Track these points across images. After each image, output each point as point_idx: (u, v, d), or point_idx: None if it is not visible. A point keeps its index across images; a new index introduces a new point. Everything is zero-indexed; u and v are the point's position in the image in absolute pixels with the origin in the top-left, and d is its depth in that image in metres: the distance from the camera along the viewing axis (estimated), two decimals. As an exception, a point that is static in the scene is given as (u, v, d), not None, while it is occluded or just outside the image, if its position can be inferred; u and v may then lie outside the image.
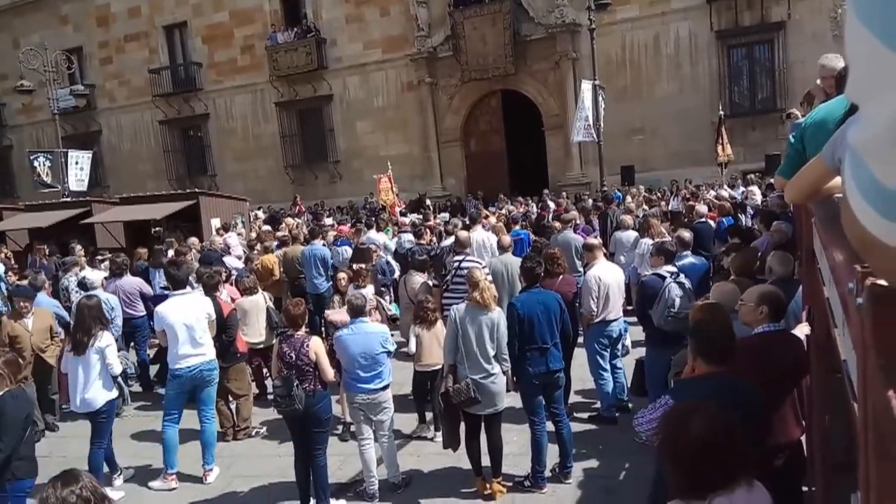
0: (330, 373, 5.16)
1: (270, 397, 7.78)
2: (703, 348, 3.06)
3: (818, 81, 4.02)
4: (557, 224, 10.47)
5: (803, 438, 3.55)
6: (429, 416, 6.59)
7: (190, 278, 7.19)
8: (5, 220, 17.21)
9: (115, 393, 5.88)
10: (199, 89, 27.55)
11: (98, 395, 5.67)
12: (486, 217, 13.16)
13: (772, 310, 3.55)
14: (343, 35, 24.95)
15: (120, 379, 6.18)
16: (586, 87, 17.32)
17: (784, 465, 3.43)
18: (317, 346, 5.14)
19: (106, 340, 5.75)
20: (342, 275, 7.83)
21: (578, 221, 10.85)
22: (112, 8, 28.90)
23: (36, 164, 20.05)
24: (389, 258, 10.46)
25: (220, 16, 26.88)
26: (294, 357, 5.05)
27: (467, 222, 10.40)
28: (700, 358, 3.07)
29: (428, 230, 11.35)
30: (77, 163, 19.97)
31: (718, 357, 3.01)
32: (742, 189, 14.70)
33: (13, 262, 12.92)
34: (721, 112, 17.23)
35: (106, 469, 5.96)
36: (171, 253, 10.34)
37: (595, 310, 6.28)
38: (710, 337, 3.05)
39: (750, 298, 3.68)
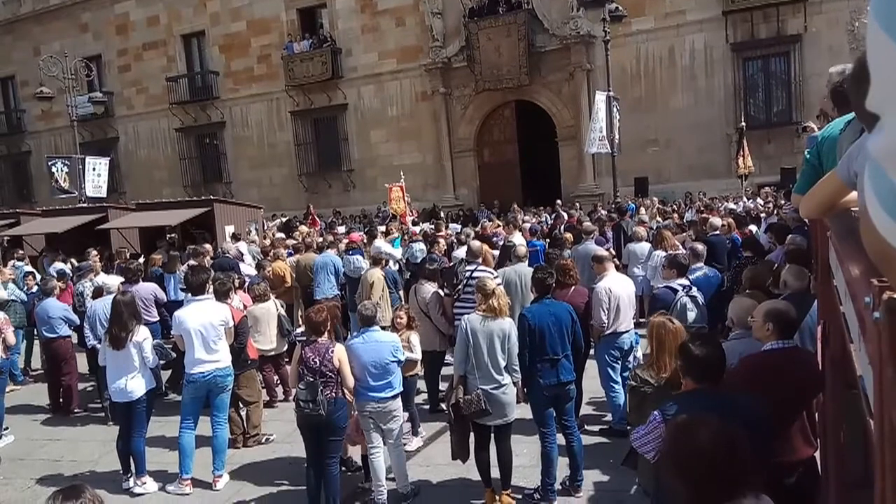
0: (351, 381, 5.14)
1: (279, 405, 7.85)
2: (688, 367, 3.11)
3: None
4: (569, 235, 10.42)
5: (817, 455, 3.49)
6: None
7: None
8: (23, 225, 17.41)
9: (153, 383, 6.12)
10: (216, 98, 27.82)
11: (137, 385, 5.93)
12: (498, 227, 13.16)
13: (778, 326, 3.48)
14: (358, 45, 25.13)
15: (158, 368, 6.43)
16: (601, 98, 17.29)
17: (797, 482, 3.38)
18: (341, 354, 5.14)
19: (142, 334, 5.99)
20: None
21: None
22: (131, 16, 29.30)
23: (54, 169, 20.29)
24: (397, 267, 10.46)
25: (237, 25, 27.17)
26: (318, 363, 5.05)
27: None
28: (688, 376, 3.13)
29: (441, 239, 11.31)
30: (94, 169, 20.19)
31: (704, 375, 3.05)
32: (757, 200, 14.61)
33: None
34: (742, 123, 17.15)
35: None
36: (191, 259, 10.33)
37: (605, 321, 6.24)
38: (695, 356, 3.07)
39: (757, 315, 3.64)
